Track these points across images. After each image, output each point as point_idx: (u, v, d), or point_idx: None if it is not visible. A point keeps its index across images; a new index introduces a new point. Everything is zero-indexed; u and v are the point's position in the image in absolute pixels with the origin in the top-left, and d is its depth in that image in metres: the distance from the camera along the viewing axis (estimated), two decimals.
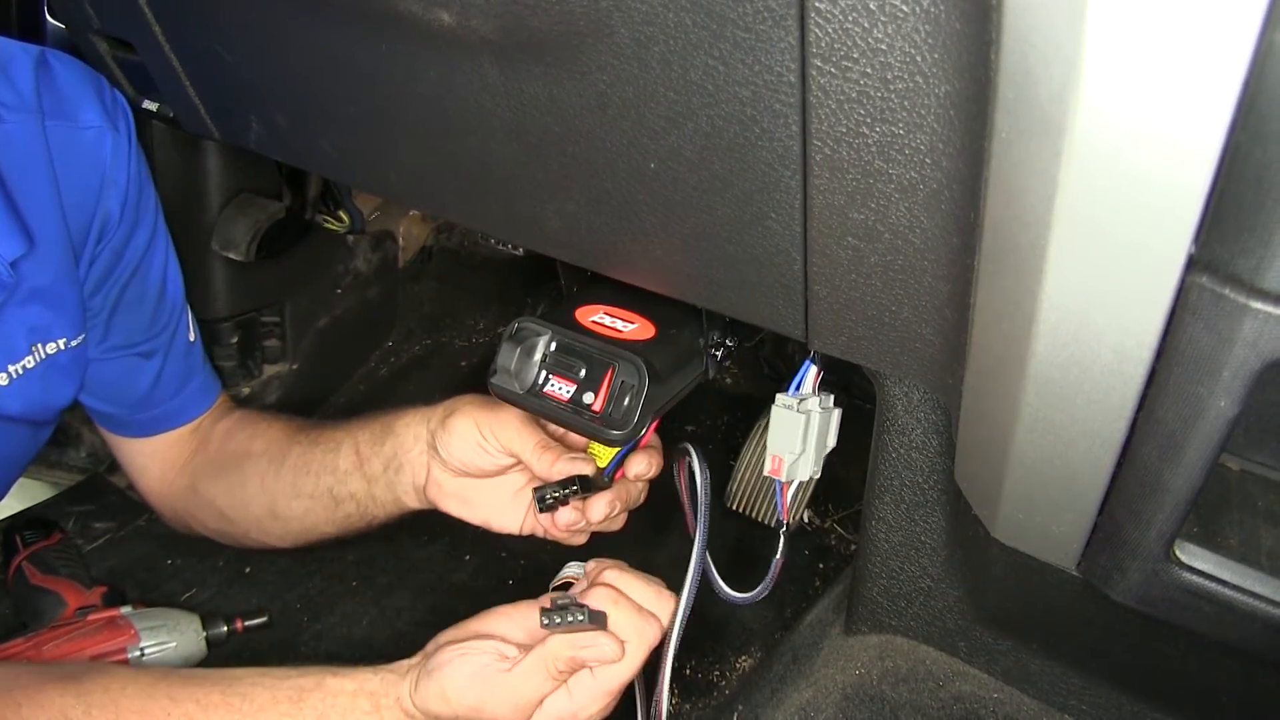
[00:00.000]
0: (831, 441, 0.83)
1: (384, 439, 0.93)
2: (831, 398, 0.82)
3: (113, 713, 0.70)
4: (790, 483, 0.83)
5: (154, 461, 1.06)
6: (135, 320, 0.97)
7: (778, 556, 0.85)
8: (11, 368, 0.82)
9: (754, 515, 1.21)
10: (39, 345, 0.84)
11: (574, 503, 0.81)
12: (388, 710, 0.72)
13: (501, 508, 0.91)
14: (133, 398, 1.00)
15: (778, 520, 0.85)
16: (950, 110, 0.48)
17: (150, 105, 1.04)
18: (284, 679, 0.73)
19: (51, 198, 0.83)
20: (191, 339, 1.05)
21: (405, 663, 0.75)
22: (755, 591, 0.84)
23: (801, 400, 0.81)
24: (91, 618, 0.98)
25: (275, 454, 1.00)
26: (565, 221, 0.74)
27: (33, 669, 0.74)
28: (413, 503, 0.93)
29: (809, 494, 1.21)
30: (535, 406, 0.79)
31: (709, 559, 0.80)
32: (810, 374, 0.80)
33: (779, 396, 0.81)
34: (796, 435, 0.80)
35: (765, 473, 0.82)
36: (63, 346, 0.87)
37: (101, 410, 1.01)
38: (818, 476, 0.84)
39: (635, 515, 1.25)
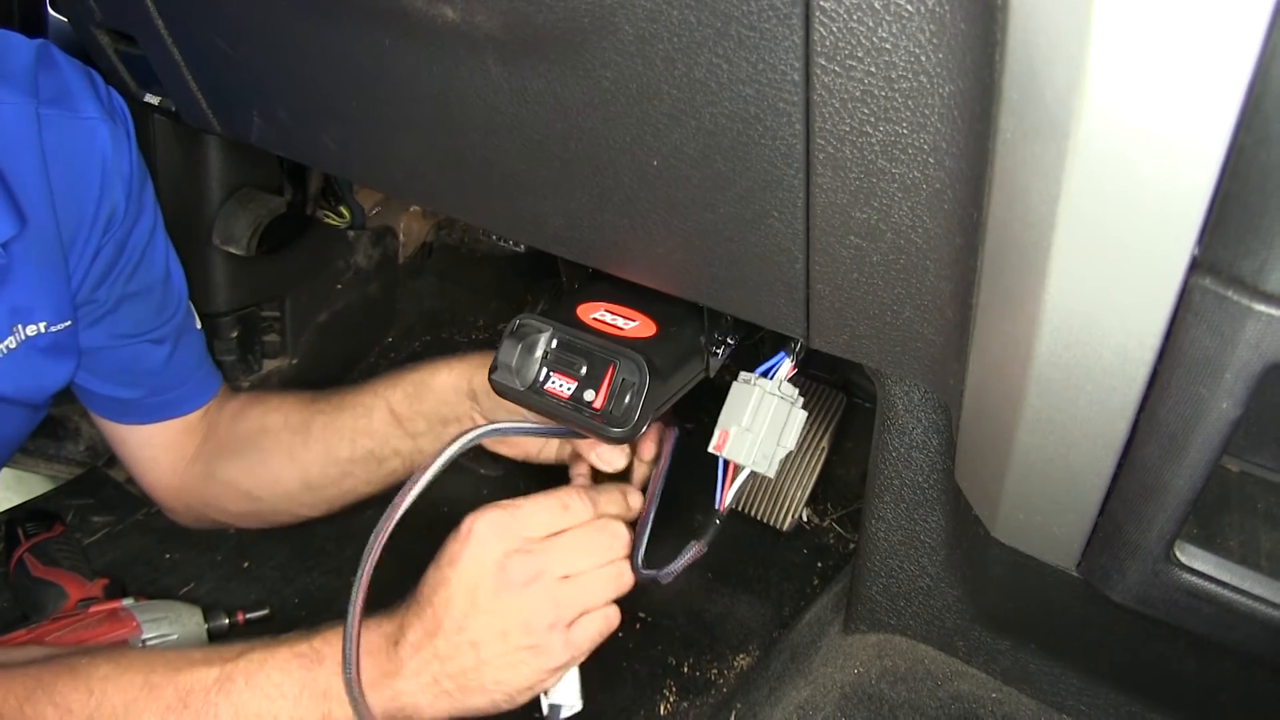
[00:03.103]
0: (789, 443, 0.78)
1: (423, 397, 0.95)
2: (796, 391, 0.79)
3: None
4: (733, 466, 0.78)
5: (165, 452, 1.05)
6: (143, 309, 0.97)
7: (698, 542, 0.80)
8: None
9: (754, 514, 1.21)
10: (19, 326, 0.85)
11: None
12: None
13: (539, 442, 0.94)
14: (148, 381, 1.00)
15: (715, 510, 0.80)
16: (954, 110, 0.48)
17: (152, 99, 1.03)
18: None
19: (41, 183, 0.83)
20: (198, 327, 1.06)
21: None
22: (662, 570, 0.80)
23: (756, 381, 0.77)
24: (93, 609, 0.99)
25: (297, 425, 1.00)
26: (567, 218, 0.74)
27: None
28: None
29: (808, 493, 1.21)
30: (536, 404, 0.79)
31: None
32: (784, 367, 0.77)
33: (741, 373, 0.78)
34: (745, 408, 0.76)
35: (710, 447, 0.77)
36: (43, 330, 0.87)
37: (117, 396, 1.00)
38: (769, 476, 0.79)
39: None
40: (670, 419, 0.85)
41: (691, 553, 0.80)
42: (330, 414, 0.99)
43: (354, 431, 0.98)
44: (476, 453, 0.92)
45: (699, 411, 1.42)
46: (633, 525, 0.81)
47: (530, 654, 0.71)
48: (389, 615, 0.75)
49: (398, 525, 0.74)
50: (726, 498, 0.79)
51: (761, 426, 0.77)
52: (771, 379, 0.78)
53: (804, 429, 0.81)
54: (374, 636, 0.73)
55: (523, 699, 0.74)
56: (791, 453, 0.80)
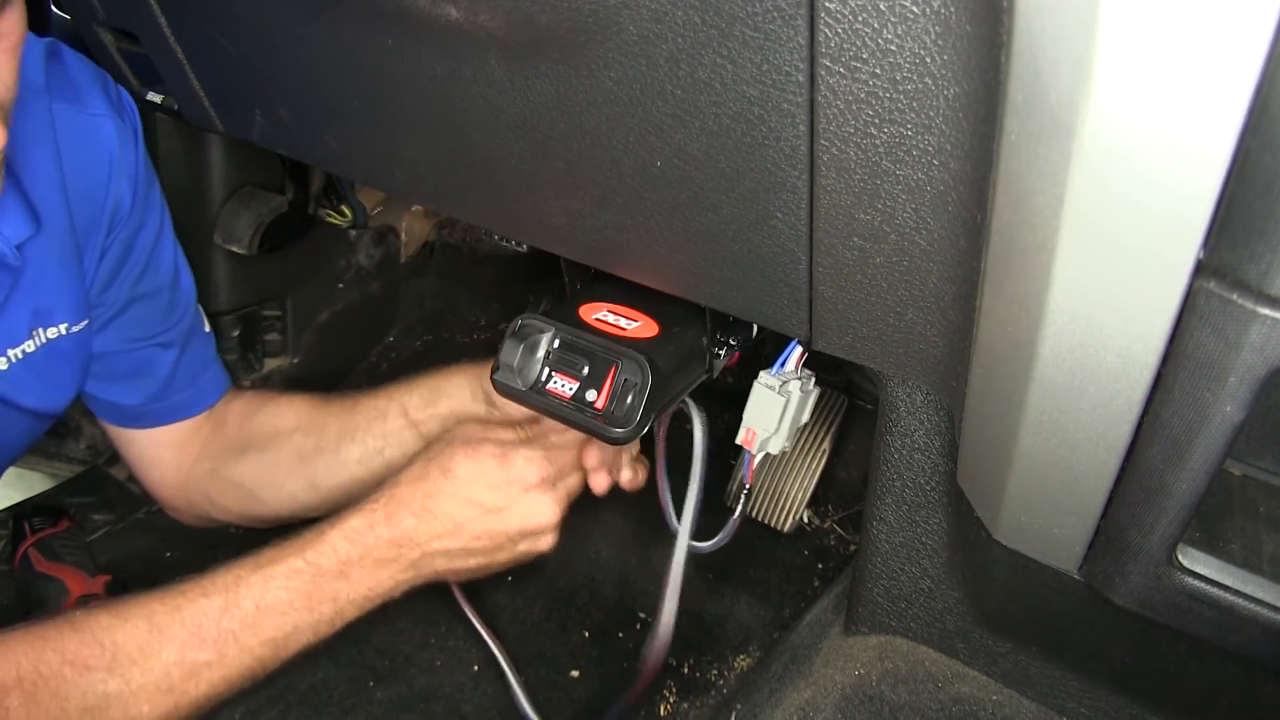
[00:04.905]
0: (805, 418, 0.85)
1: (437, 400, 0.98)
2: (812, 378, 0.84)
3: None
4: (757, 454, 0.86)
5: (170, 452, 1.05)
6: (151, 312, 0.97)
7: (735, 516, 0.89)
8: (11, 352, 0.82)
9: (755, 515, 1.21)
10: (40, 330, 0.84)
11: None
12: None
13: None
14: (153, 387, 1.00)
15: (741, 483, 0.90)
16: (959, 112, 0.48)
17: (154, 97, 1.03)
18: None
19: (56, 180, 0.83)
20: (207, 330, 1.05)
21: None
22: (713, 541, 0.88)
23: (784, 382, 0.82)
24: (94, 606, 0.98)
25: (310, 428, 1.01)
26: (570, 219, 0.74)
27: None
28: None
29: (809, 495, 1.21)
30: (538, 404, 0.79)
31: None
32: (795, 354, 0.81)
33: (762, 374, 0.82)
34: (774, 416, 0.82)
35: (738, 440, 0.84)
36: (64, 331, 0.87)
37: (121, 403, 1.00)
38: (789, 451, 0.86)
39: (634, 515, 1.25)
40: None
41: (733, 525, 0.90)
42: (344, 417, 1.00)
43: (367, 434, 0.99)
44: None
45: None
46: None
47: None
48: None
49: None
50: (752, 473, 0.89)
51: (786, 423, 0.82)
52: (781, 371, 0.82)
53: (812, 415, 0.88)
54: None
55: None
56: (806, 425, 0.88)
